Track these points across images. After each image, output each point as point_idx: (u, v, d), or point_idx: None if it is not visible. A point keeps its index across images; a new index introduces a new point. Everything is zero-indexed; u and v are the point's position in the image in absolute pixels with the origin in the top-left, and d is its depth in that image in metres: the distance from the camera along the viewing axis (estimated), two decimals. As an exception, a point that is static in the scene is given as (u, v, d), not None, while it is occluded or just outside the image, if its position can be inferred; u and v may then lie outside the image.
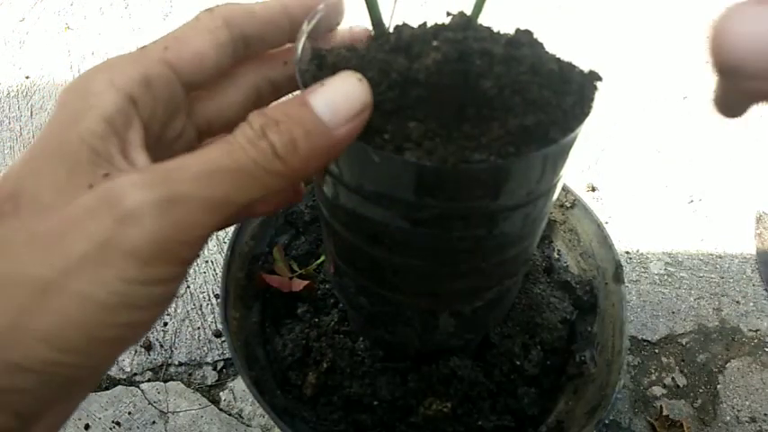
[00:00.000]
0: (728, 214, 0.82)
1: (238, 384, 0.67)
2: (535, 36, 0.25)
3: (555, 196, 0.31)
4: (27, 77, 0.99)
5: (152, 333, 0.70)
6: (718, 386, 0.67)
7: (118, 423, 0.64)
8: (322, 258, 0.61)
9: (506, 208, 0.27)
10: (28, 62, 1.02)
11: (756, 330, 0.72)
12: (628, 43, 1.00)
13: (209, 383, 0.67)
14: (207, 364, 0.68)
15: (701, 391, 0.67)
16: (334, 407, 0.52)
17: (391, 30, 0.26)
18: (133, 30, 1.06)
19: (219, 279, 0.71)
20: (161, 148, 0.24)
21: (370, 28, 0.27)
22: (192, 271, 0.75)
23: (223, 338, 0.70)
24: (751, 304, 0.74)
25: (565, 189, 0.61)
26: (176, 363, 0.68)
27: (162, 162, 0.20)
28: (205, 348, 0.69)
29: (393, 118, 0.23)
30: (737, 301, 0.74)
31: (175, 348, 0.69)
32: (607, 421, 0.64)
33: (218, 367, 0.68)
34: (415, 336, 0.40)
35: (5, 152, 0.89)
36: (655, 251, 0.79)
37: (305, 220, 0.63)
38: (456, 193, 0.25)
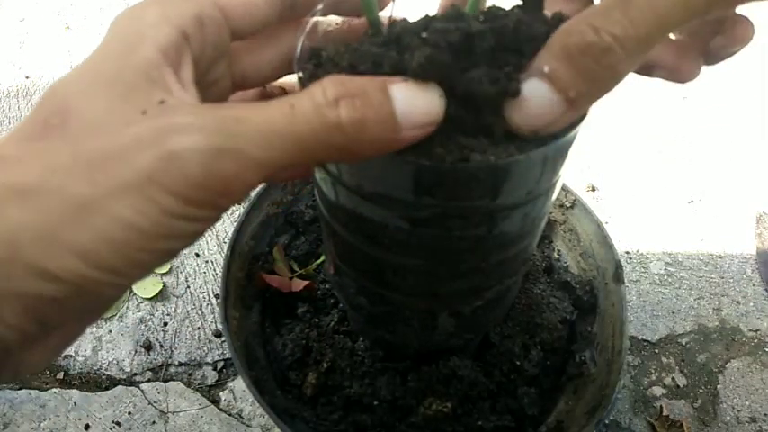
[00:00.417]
0: (728, 214, 0.82)
1: (238, 384, 0.67)
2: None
3: (554, 196, 0.31)
4: (27, 77, 0.99)
5: (152, 333, 0.70)
6: (718, 386, 0.67)
7: (118, 423, 0.64)
8: (322, 258, 0.61)
9: (506, 207, 0.27)
10: (28, 62, 1.02)
11: (756, 330, 0.72)
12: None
13: (209, 383, 0.67)
14: (207, 364, 0.68)
15: (701, 391, 0.67)
16: (334, 407, 0.52)
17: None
18: (133, 30, 1.06)
19: (219, 279, 0.71)
20: (199, 90, 0.24)
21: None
22: (192, 271, 0.75)
23: (223, 338, 0.70)
24: (751, 304, 0.74)
25: (565, 189, 0.61)
26: (176, 363, 0.68)
27: (218, 105, 0.20)
28: (205, 348, 0.69)
29: None
30: (737, 301, 0.74)
31: (175, 348, 0.69)
32: (607, 421, 0.64)
33: (218, 367, 0.68)
34: (415, 336, 0.40)
35: (5, 152, 0.89)
36: (655, 251, 0.79)
37: (305, 220, 0.63)
38: (455, 193, 0.25)
